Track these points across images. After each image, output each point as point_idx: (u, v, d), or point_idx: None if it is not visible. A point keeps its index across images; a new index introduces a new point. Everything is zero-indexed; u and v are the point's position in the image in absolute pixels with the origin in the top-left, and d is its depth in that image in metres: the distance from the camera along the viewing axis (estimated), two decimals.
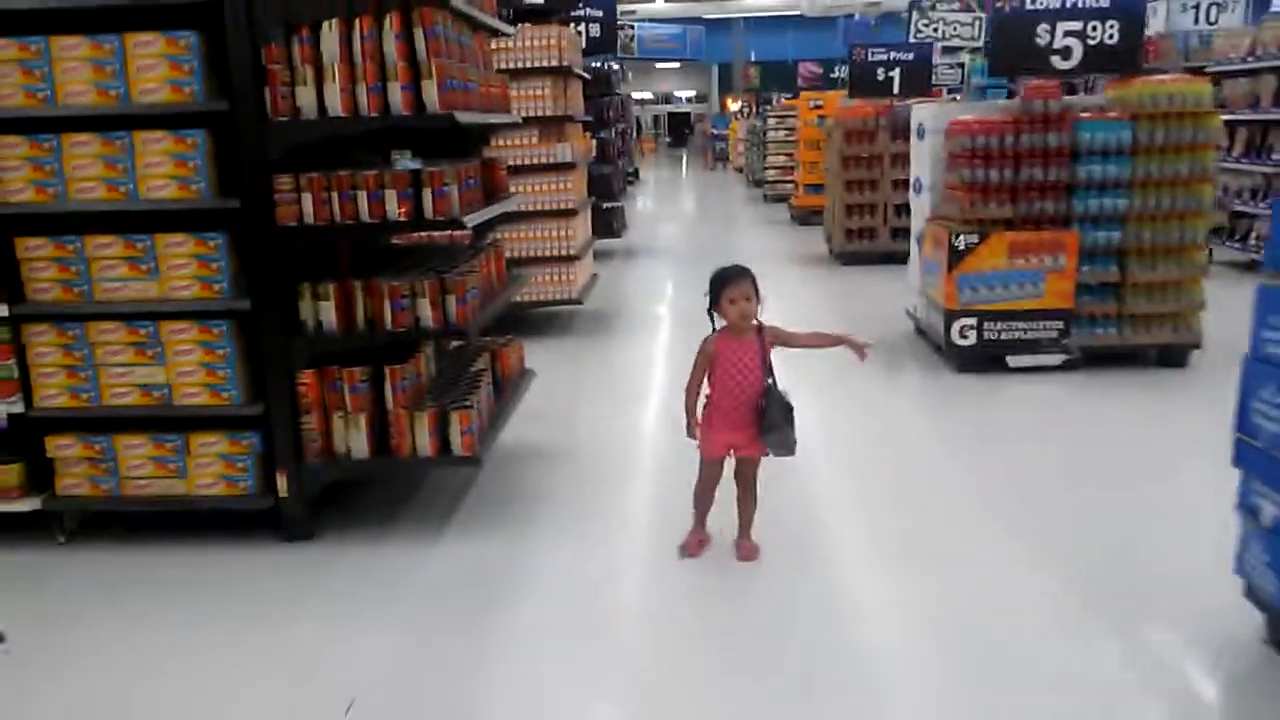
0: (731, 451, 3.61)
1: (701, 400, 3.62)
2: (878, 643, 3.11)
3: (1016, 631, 3.14)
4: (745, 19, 35.66)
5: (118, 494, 3.86)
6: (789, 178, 16.45)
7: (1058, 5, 5.93)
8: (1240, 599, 3.04)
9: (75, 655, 3.17)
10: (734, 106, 35.22)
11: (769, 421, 3.46)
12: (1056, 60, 5.95)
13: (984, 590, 3.42)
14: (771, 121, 17.94)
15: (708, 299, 3.56)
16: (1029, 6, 5.93)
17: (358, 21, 3.44)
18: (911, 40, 19.11)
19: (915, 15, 19.99)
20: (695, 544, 3.71)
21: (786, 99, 18.30)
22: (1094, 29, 5.92)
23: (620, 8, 26.99)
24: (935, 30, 17.52)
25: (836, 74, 19.41)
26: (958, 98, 14.75)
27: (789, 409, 3.50)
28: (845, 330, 3.74)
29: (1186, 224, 5.78)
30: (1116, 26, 5.92)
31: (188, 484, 3.85)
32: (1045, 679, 2.88)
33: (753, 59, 36.51)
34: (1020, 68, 6.14)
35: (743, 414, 3.50)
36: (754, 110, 24.97)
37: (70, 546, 3.93)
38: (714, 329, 3.60)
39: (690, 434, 3.61)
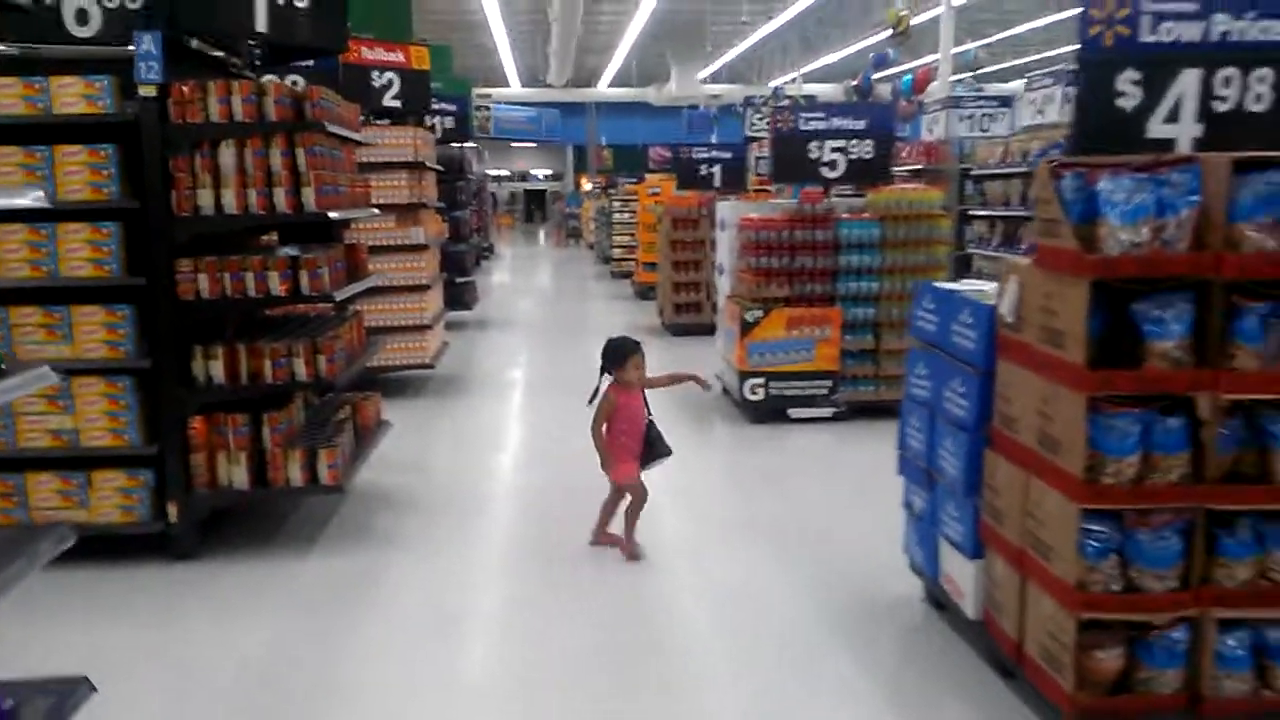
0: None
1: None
2: (670, 601, 4.21)
3: (764, 602, 4.27)
4: (597, 104, 37.52)
5: (27, 522, 4.55)
6: (632, 256, 17.76)
7: (825, 127, 7.32)
8: (908, 572, 4.23)
9: None
10: (587, 186, 36.90)
11: (661, 448, 4.70)
12: (825, 171, 7.35)
13: (745, 575, 4.57)
14: (617, 204, 19.34)
15: (608, 362, 4.71)
16: (802, 127, 7.28)
17: (250, 141, 4.38)
18: (747, 134, 20.93)
19: (749, 111, 21.91)
20: (612, 538, 4.78)
21: (629, 185, 19.72)
22: (854, 146, 7.35)
23: (477, 90, 28.29)
24: (767, 124, 19.30)
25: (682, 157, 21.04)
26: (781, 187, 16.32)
27: (660, 434, 4.76)
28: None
29: None
30: (871, 144, 7.37)
31: (90, 513, 4.57)
32: (774, 630, 4.00)
33: (604, 142, 38.34)
34: (797, 177, 7.50)
35: (638, 445, 4.70)
36: (604, 191, 26.54)
37: None
38: (600, 386, 4.72)
39: (605, 466, 4.72)
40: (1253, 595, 2.97)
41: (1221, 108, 3.27)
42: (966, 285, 4.05)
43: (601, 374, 4.75)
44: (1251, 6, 3.20)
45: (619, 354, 4.71)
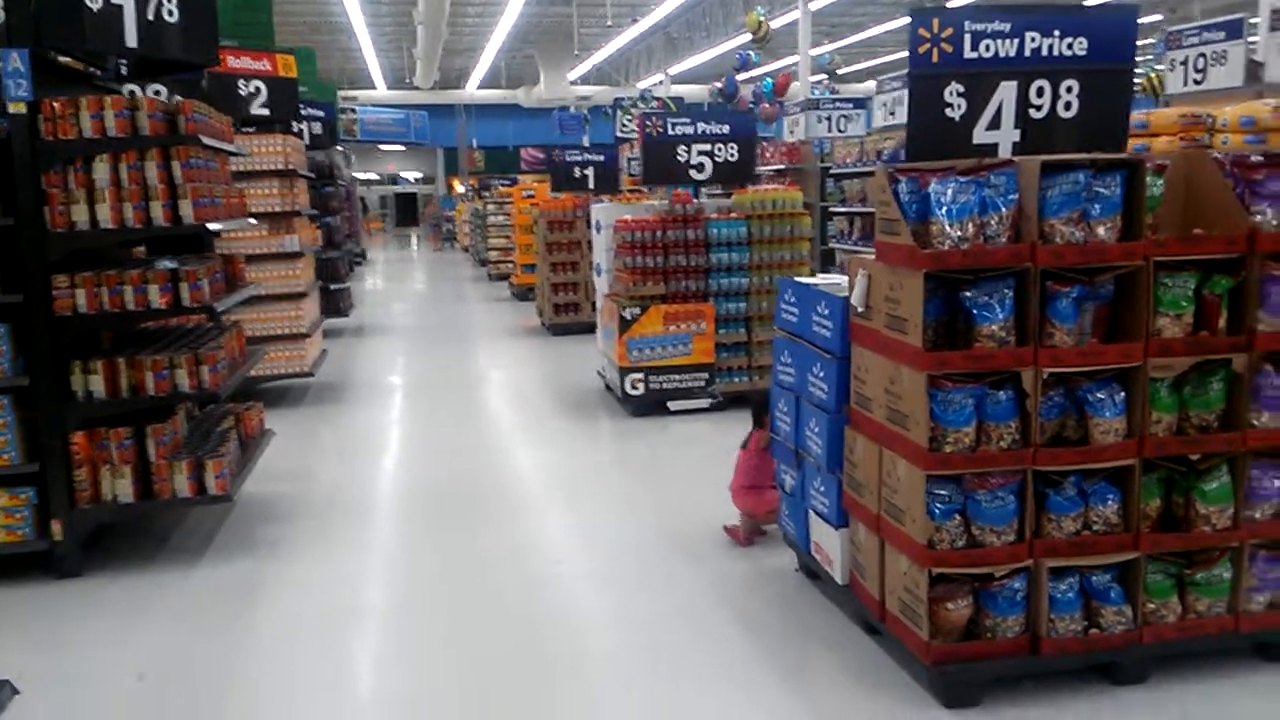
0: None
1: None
2: (562, 582, 4.41)
3: (652, 576, 4.56)
4: (467, 106, 37.29)
5: None
6: (509, 258, 17.84)
7: (692, 132, 7.64)
8: (783, 544, 4.57)
9: None
10: (460, 188, 36.64)
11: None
12: (694, 173, 7.67)
13: (633, 552, 4.85)
14: (491, 207, 19.38)
15: (762, 412, 4.81)
16: (671, 132, 7.59)
17: (124, 155, 4.39)
18: (617, 135, 21.23)
19: (619, 113, 22.23)
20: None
21: (503, 187, 19.78)
22: (719, 150, 7.70)
23: (342, 93, 27.78)
24: (635, 127, 19.63)
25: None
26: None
27: None
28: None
29: None
30: (735, 148, 7.74)
31: None
32: (661, 600, 4.28)
33: (475, 144, 38.13)
34: (667, 180, 7.82)
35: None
36: (478, 194, 26.45)
37: None
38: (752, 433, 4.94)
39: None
40: (1079, 545, 3.37)
41: (1036, 115, 3.68)
42: (823, 279, 4.40)
43: (756, 426, 4.94)
44: (1058, 25, 3.62)
45: (768, 405, 4.85)
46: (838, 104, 13.69)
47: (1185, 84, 7.94)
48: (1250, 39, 7.68)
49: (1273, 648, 3.57)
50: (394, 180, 46.51)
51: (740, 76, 21.45)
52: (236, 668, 3.86)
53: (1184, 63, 7.95)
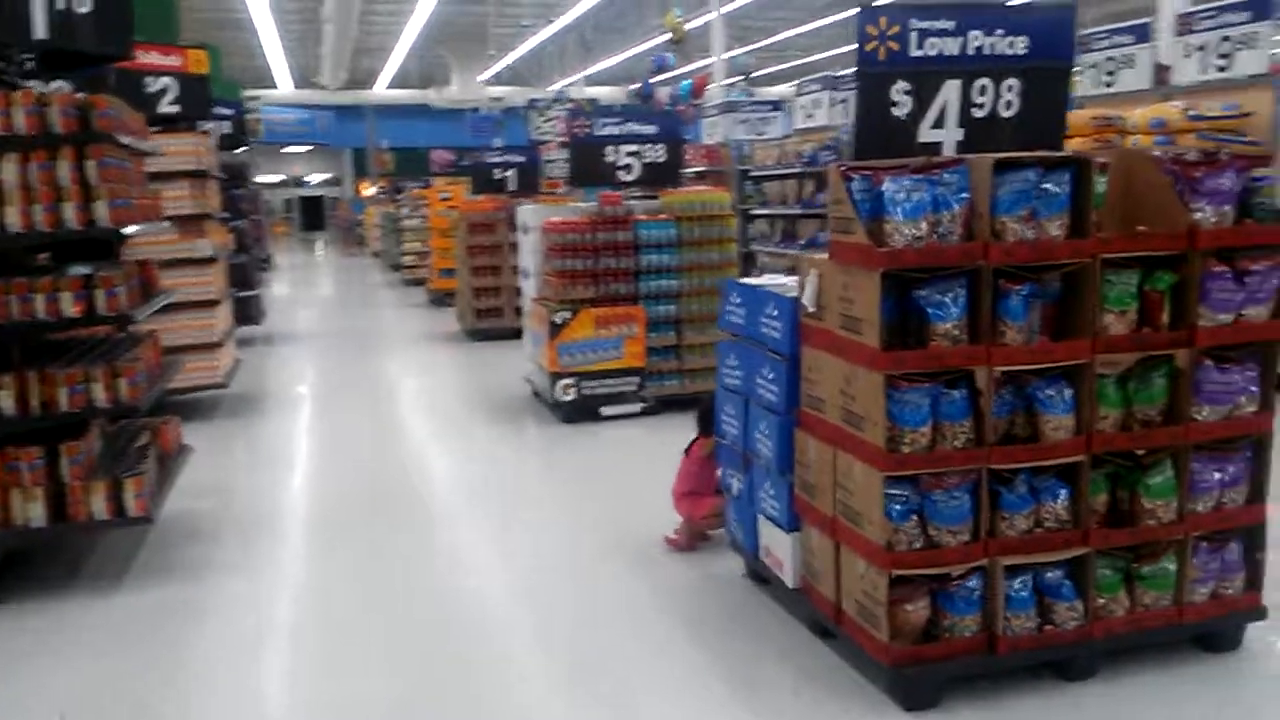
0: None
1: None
2: (496, 593, 4.27)
3: (594, 583, 4.46)
4: (376, 106, 36.54)
5: None
6: (425, 262, 17.46)
7: (619, 132, 7.58)
8: (727, 551, 4.52)
9: None
10: (369, 191, 35.79)
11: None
12: (621, 174, 7.61)
13: (571, 559, 4.75)
14: (406, 209, 18.97)
15: (708, 419, 4.69)
16: (598, 133, 7.53)
17: (34, 154, 4.12)
18: (532, 137, 21.04)
19: (533, 114, 22.07)
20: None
21: (417, 189, 19.39)
22: (647, 151, 7.66)
23: (245, 93, 26.94)
24: (553, 126, 19.44)
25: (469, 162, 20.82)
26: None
27: None
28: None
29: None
30: (663, 149, 7.70)
31: None
32: (605, 608, 4.19)
33: (385, 145, 37.39)
34: (594, 180, 7.74)
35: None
36: (391, 197, 25.81)
37: None
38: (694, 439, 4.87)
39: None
40: (1031, 542, 3.38)
41: (979, 114, 3.71)
42: (768, 280, 4.37)
43: (704, 433, 4.82)
44: (1000, 24, 3.65)
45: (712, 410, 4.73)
46: (755, 106, 13.77)
47: (1096, 86, 8.18)
48: (1157, 42, 7.97)
49: (1212, 638, 3.65)
50: (299, 183, 45.30)
51: (656, 78, 21.48)
52: (162, 697, 3.64)
53: (1094, 66, 8.20)
